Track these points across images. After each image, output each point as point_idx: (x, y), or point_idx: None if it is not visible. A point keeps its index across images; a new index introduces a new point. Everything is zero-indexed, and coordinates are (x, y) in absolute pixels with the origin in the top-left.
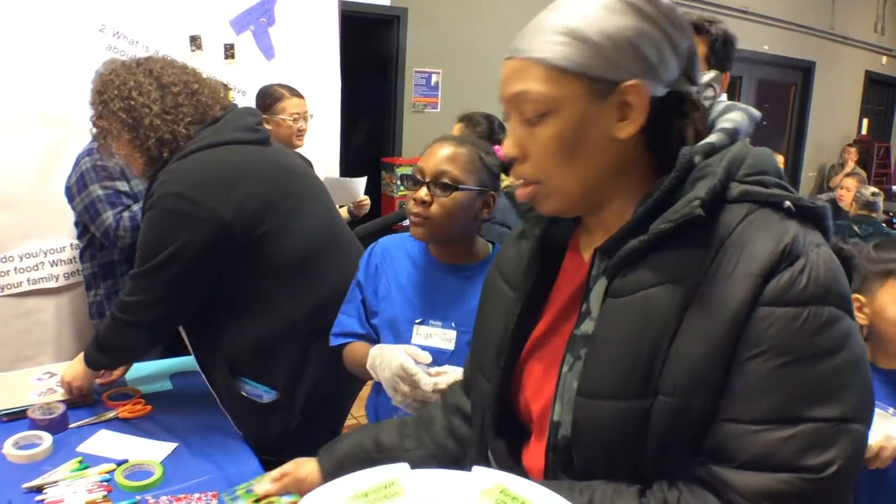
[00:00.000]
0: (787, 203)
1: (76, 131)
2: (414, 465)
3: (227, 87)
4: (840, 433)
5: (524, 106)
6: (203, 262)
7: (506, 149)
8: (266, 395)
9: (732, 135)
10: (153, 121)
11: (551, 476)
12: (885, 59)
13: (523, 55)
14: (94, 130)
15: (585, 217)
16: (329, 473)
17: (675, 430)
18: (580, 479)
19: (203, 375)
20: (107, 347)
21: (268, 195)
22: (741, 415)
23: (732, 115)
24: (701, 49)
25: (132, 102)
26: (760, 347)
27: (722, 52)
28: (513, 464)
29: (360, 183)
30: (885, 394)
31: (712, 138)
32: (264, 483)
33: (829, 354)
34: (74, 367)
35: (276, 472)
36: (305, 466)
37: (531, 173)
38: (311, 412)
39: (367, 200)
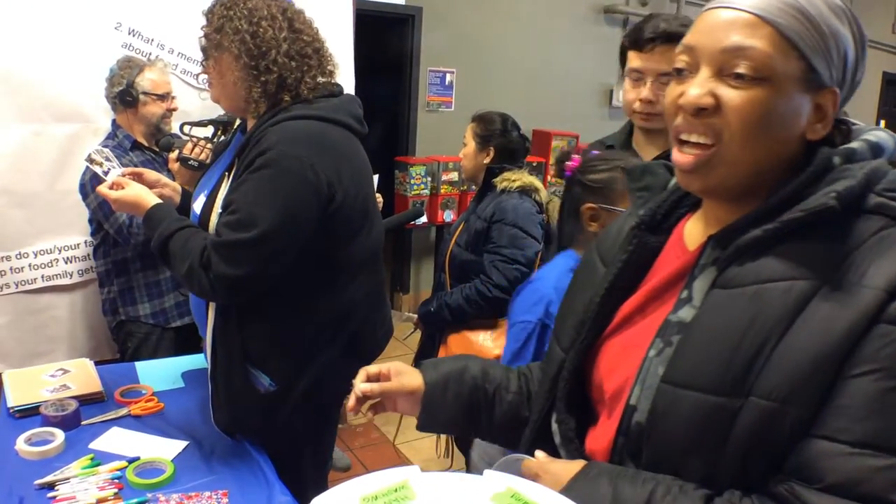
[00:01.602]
0: None
1: (91, 128)
2: (505, 412)
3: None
4: None
5: (740, 61)
6: (309, 236)
7: (696, 96)
8: (269, 385)
9: (875, 148)
10: (279, 58)
11: (616, 461)
12: None
13: (753, 10)
14: (204, 42)
15: (714, 203)
16: (433, 386)
17: (761, 436)
18: (646, 470)
19: (208, 348)
20: (168, 248)
21: (360, 191)
22: (838, 434)
23: (879, 133)
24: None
25: (260, 30)
26: (873, 366)
27: None
28: (578, 443)
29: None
30: None
31: (854, 145)
32: (361, 380)
33: None
34: (135, 196)
35: (372, 369)
36: (409, 375)
37: (717, 129)
38: (300, 413)
39: (378, 197)
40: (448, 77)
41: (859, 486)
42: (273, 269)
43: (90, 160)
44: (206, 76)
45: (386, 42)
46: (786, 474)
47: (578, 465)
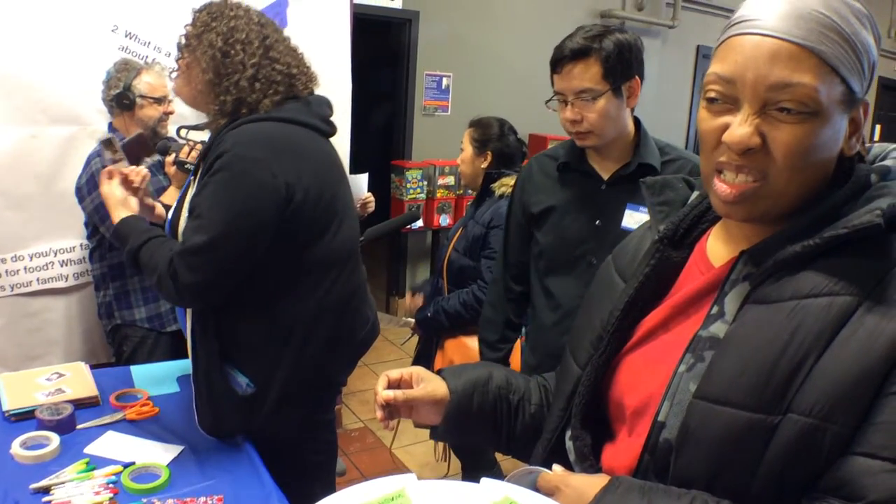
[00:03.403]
0: None
1: (88, 131)
2: (527, 424)
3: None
4: None
5: (787, 97)
6: (268, 237)
7: (745, 136)
8: (246, 387)
9: None
10: (241, 82)
11: (641, 479)
12: None
13: (796, 40)
14: (182, 41)
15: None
16: (460, 395)
17: (799, 454)
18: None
19: (191, 348)
20: (139, 260)
21: (325, 190)
22: (880, 450)
23: None
24: (594, 70)
25: (232, 51)
26: None
27: (620, 62)
28: (594, 460)
29: (363, 179)
30: None
31: (889, 163)
32: (382, 386)
33: None
34: (110, 199)
35: (393, 374)
36: (433, 382)
37: (765, 168)
38: (284, 415)
39: (371, 198)
40: (444, 81)
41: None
42: (236, 272)
43: (107, 142)
44: (175, 67)
45: (383, 45)
46: (823, 492)
47: (602, 479)
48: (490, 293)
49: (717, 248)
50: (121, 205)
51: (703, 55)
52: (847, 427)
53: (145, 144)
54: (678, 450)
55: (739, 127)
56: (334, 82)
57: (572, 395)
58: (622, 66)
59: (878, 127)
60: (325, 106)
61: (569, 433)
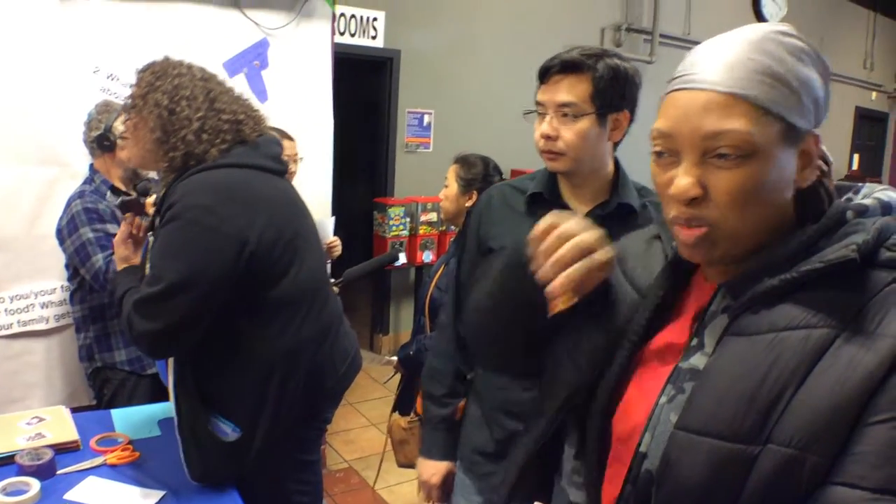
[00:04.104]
0: None
1: (69, 172)
2: None
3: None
4: None
5: (723, 144)
6: (224, 283)
7: (684, 188)
8: (232, 432)
9: (885, 206)
10: (188, 136)
11: None
12: (874, 94)
13: (725, 89)
14: (128, 103)
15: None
16: None
17: (780, 484)
18: None
19: (173, 400)
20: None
21: (284, 228)
22: (859, 481)
23: (890, 192)
24: (583, 87)
25: (178, 108)
26: (891, 413)
27: (611, 88)
28: (599, 482)
29: (328, 223)
30: None
31: (867, 202)
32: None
33: None
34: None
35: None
36: None
37: (710, 215)
38: (273, 456)
39: (337, 242)
40: (426, 118)
41: None
42: (193, 320)
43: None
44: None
45: (365, 84)
46: None
47: None
48: (437, 340)
49: (710, 271)
50: (122, 260)
51: None
52: (826, 457)
53: (138, 205)
54: (659, 481)
55: (681, 179)
56: (316, 122)
57: (569, 399)
58: (613, 94)
59: (856, 156)
60: (275, 145)
61: (570, 451)
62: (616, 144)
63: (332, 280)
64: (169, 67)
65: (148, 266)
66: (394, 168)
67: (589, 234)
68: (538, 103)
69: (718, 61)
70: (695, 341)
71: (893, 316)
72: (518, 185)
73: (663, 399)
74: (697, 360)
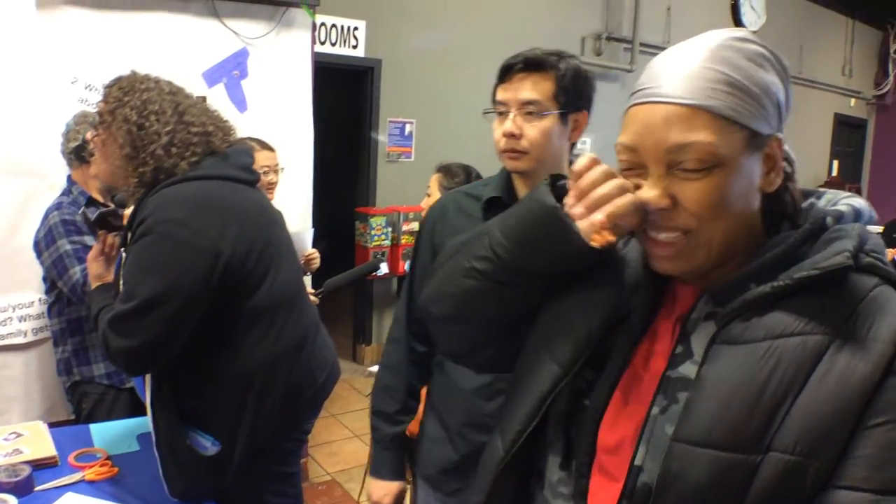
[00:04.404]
0: None
1: (47, 183)
2: None
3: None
4: None
5: (688, 157)
6: (200, 297)
7: (655, 199)
8: (211, 446)
9: (857, 213)
10: (157, 150)
11: None
12: (853, 101)
13: (685, 101)
14: (96, 119)
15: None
16: None
17: (782, 490)
18: None
19: (150, 416)
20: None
21: (256, 238)
22: (861, 483)
23: (859, 200)
24: (547, 85)
25: (147, 123)
26: (889, 416)
27: (574, 87)
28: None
29: (306, 235)
30: None
31: (842, 208)
32: None
33: None
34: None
35: None
36: None
37: (685, 222)
38: (254, 469)
39: (315, 254)
40: (408, 127)
41: None
42: (169, 336)
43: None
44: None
45: (346, 93)
46: None
47: None
48: (388, 355)
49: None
50: (96, 278)
51: None
52: (828, 462)
53: (116, 217)
54: (658, 494)
55: (648, 191)
56: (296, 131)
57: (546, 397)
58: (575, 93)
59: (835, 162)
60: (245, 155)
61: (554, 459)
62: (573, 146)
63: (313, 290)
64: (136, 82)
65: (121, 283)
66: (375, 178)
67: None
68: (499, 102)
69: (678, 73)
70: (680, 349)
71: (882, 320)
72: (472, 192)
73: (655, 410)
74: (687, 370)
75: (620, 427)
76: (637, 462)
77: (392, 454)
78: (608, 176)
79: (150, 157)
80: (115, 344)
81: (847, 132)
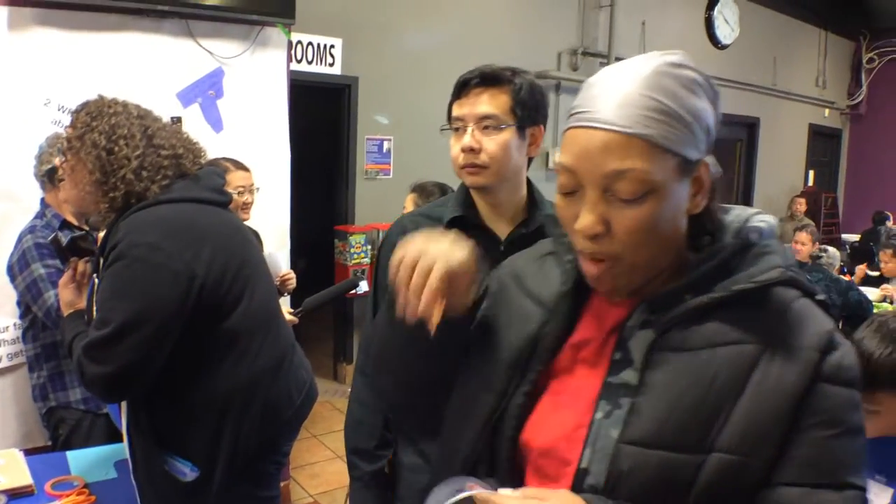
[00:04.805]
0: (822, 296)
1: (21, 207)
2: None
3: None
4: (863, 501)
5: (624, 184)
6: (175, 320)
7: (588, 225)
8: (190, 472)
9: (771, 230)
10: (127, 174)
11: None
12: (827, 111)
13: (623, 129)
14: (64, 145)
15: None
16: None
17: (723, 487)
18: None
19: (127, 444)
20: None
21: (230, 259)
22: (798, 479)
23: (767, 217)
24: (504, 99)
25: (116, 148)
26: (819, 418)
27: (530, 101)
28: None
29: (278, 257)
30: None
31: (762, 225)
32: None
33: (860, 431)
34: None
35: None
36: None
37: (612, 250)
38: (233, 493)
39: (291, 275)
40: (385, 144)
41: None
42: (146, 361)
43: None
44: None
45: (323, 111)
46: None
47: (570, 494)
48: (358, 388)
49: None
50: (67, 305)
51: None
52: (765, 461)
53: (87, 240)
54: (610, 495)
55: (585, 216)
56: (273, 150)
57: (486, 424)
58: (531, 107)
59: (811, 172)
60: (216, 177)
61: (495, 483)
62: (530, 161)
63: (291, 310)
64: (104, 106)
65: (95, 309)
66: (354, 195)
67: (435, 248)
68: (456, 118)
69: (615, 99)
70: (619, 355)
71: (807, 330)
72: (430, 213)
73: (599, 415)
74: (628, 376)
75: (553, 429)
76: (584, 465)
77: (374, 493)
78: (411, 268)
79: (121, 182)
80: (90, 371)
81: (822, 142)
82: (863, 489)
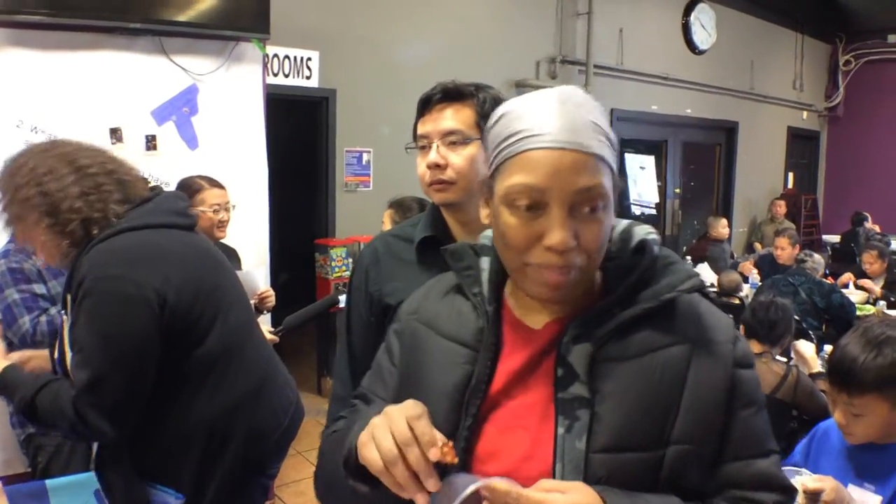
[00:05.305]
0: (709, 291)
1: None
2: None
3: (145, 181)
4: (779, 460)
5: (593, 199)
6: (155, 346)
7: (564, 240)
8: (174, 500)
9: (658, 241)
10: (73, 203)
11: None
12: (805, 114)
13: (589, 150)
14: (5, 216)
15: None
16: None
17: (685, 474)
18: None
19: (97, 477)
20: (36, 409)
21: (200, 283)
22: (739, 454)
23: (647, 227)
24: (468, 113)
25: (46, 188)
26: (742, 401)
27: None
28: None
29: (257, 274)
30: None
31: (653, 237)
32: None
33: (764, 404)
34: None
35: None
36: None
37: (580, 260)
38: None
39: (269, 293)
40: (365, 156)
41: (773, 480)
42: (138, 390)
43: None
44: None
45: (301, 124)
46: (711, 495)
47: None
48: (334, 416)
49: (528, 312)
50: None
51: (617, 118)
52: (712, 445)
53: None
54: None
55: (559, 231)
56: (250, 166)
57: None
58: None
59: (791, 174)
60: (177, 199)
61: None
62: None
63: (272, 329)
64: (12, 163)
65: (72, 350)
66: (334, 208)
67: (393, 414)
68: (421, 136)
69: (568, 124)
70: (561, 371)
71: (718, 326)
72: (400, 234)
73: (561, 430)
74: (578, 389)
75: (507, 455)
76: (556, 478)
77: None
78: (392, 460)
79: (71, 213)
80: (93, 415)
81: (801, 144)
82: (778, 452)
